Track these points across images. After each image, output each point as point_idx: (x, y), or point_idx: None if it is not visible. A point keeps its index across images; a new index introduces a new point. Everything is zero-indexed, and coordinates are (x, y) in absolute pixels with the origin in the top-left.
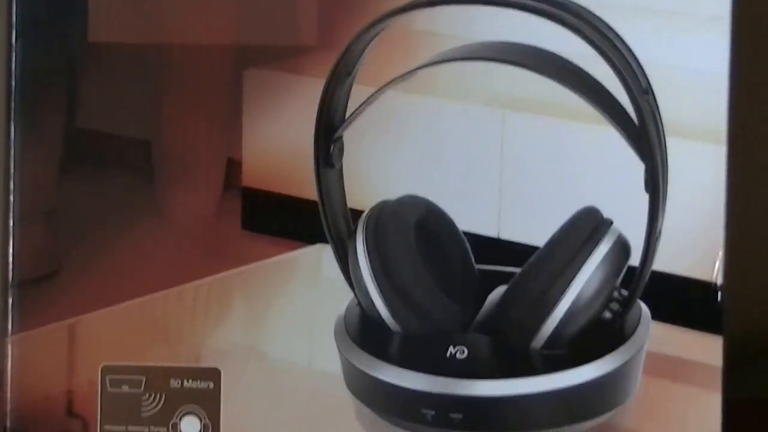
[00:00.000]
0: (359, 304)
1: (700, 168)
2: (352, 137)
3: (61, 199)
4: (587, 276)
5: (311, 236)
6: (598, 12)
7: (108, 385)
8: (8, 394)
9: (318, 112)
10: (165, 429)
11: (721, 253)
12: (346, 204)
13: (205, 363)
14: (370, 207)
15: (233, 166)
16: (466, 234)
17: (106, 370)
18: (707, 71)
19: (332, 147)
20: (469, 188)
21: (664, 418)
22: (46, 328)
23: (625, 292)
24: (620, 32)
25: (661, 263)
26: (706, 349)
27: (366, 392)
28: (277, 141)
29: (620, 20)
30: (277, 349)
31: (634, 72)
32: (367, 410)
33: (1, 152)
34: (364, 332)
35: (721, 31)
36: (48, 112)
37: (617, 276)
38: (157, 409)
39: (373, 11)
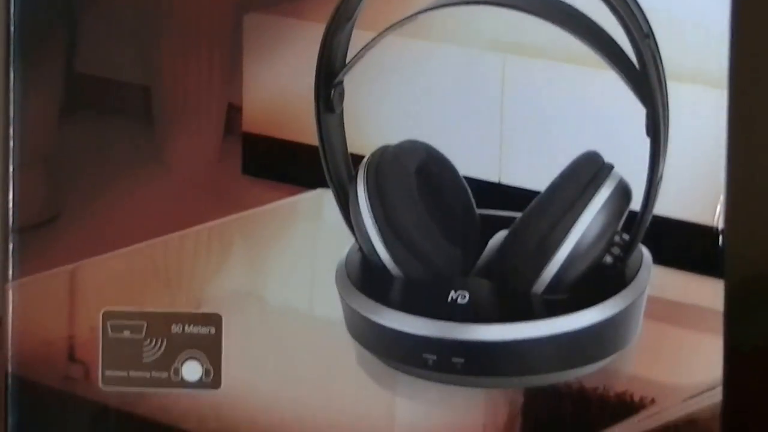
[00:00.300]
0: (360, 249)
1: (701, 112)
2: (352, 82)
3: (61, 144)
4: (588, 220)
5: (312, 181)
6: None
7: (109, 330)
8: (9, 340)
9: (318, 56)
10: (166, 374)
11: (722, 197)
12: (346, 149)
13: (206, 308)
14: (371, 152)
15: (233, 112)
16: (467, 179)
17: (107, 316)
18: (708, 15)
19: (333, 92)
20: (469, 133)
21: (665, 362)
22: (46, 274)
23: (626, 237)
24: None
25: (662, 208)
26: (708, 294)
27: (367, 337)
28: (277, 86)
29: None
30: (277, 294)
31: (635, 16)
32: (368, 355)
33: (1, 97)
34: (365, 277)
35: None
36: (47, 57)
37: (618, 220)
38: (158, 354)
39: None
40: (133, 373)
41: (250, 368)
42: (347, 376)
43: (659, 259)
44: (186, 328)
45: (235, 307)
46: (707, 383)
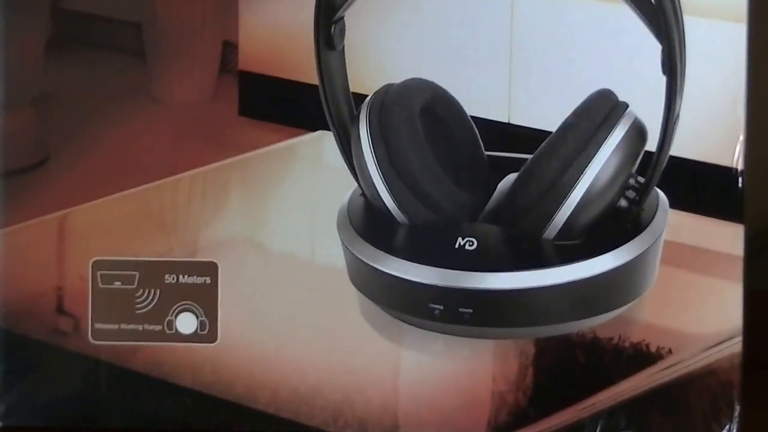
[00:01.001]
0: (363, 194)
1: (719, 47)
2: (354, 17)
3: (49, 84)
4: (602, 162)
5: (312, 122)
6: None
7: (99, 281)
8: None
9: None
10: (160, 327)
11: (741, 137)
12: (348, 88)
13: (202, 256)
14: (374, 91)
15: (229, 49)
16: (475, 119)
17: (97, 265)
18: None
19: (333, 28)
20: (477, 71)
21: (683, 310)
22: (34, 222)
23: (641, 179)
24: None
25: (679, 148)
26: (727, 238)
27: (371, 287)
28: (275, 22)
29: None
30: (277, 241)
31: None
32: (372, 306)
33: None
34: (368, 224)
35: None
36: None
37: (633, 162)
38: (151, 306)
39: None
40: (124, 326)
41: (247, 320)
42: (350, 328)
43: (676, 202)
44: (180, 278)
45: (231, 255)
46: (727, 332)
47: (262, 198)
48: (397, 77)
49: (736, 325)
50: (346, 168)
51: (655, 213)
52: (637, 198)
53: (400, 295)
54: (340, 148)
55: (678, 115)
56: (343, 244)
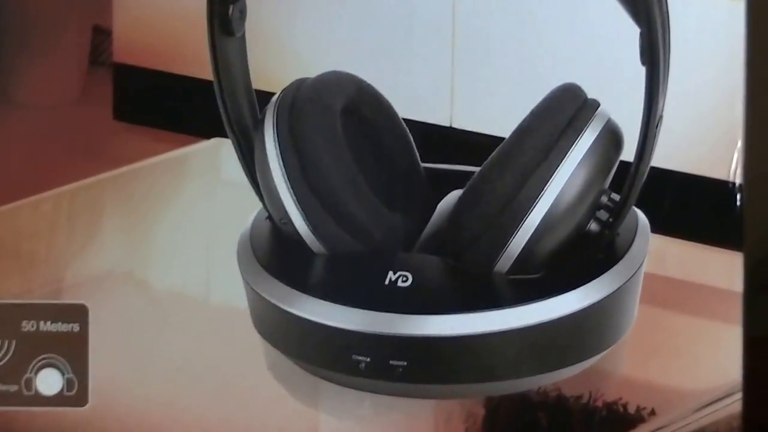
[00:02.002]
0: (269, 216)
1: (712, 31)
2: None
3: None
4: (567, 175)
5: (205, 128)
6: None
7: None
8: None
9: None
10: (16, 387)
11: (740, 144)
12: (250, 84)
13: (69, 298)
14: (283, 87)
15: (101, 37)
16: (410, 122)
17: None
18: None
19: (231, 8)
20: (414, 66)
21: (669, 360)
22: None
23: (616, 197)
24: None
25: (663, 158)
26: (723, 270)
27: (280, 334)
28: (158, 2)
29: None
30: (163, 277)
31: None
32: (282, 358)
33: None
34: (276, 254)
35: None
36: None
37: (606, 175)
38: (4, 360)
39: None
40: None
41: (126, 377)
42: (255, 387)
43: (659, 225)
44: (41, 324)
45: (106, 296)
46: (723, 388)
47: (145, 223)
48: (314, 71)
49: (734, 378)
50: (249, 184)
51: (633, 239)
52: (611, 220)
53: (317, 344)
54: (240, 160)
55: (661, 116)
56: (244, 280)
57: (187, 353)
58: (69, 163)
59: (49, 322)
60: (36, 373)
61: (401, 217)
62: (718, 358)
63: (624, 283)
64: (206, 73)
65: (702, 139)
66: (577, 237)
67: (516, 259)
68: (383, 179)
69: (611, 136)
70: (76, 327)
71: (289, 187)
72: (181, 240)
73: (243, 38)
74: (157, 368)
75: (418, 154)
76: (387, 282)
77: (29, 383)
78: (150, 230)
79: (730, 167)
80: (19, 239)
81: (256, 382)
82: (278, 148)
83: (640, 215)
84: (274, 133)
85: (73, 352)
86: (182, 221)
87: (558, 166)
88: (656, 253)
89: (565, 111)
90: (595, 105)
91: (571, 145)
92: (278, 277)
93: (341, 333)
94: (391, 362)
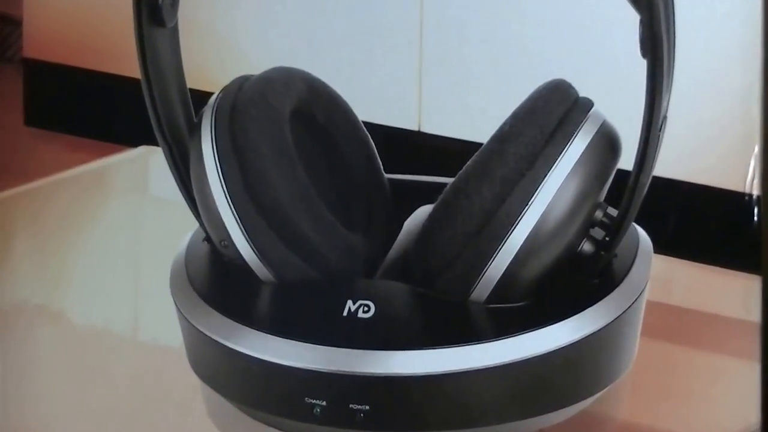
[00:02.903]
0: (207, 238)
1: (724, 18)
2: None
3: None
4: (556, 187)
5: (131, 134)
6: None
7: None
8: None
9: None
10: None
11: (757, 149)
12: (184, 83)
13: None
14: (223, 87)
15: (10, 28)
16: (373, 126)
17: None
18: None
19: None
20: (376, 62)
21: (676, 402)
22: None
23: (613, 212)
24: None
25: (668, 166)
26: (738, 296)
27: (221, 374)
28: None
29: None
30: (82, 310)
31: None
32: (224, 402)
33: None
34: (216, 282)
35: None
36: None
37: (602, 186)
38: None
39: None
40: None
41: (38, 426)
42: None
43: (664, 245)
44: None
45: (15, 331)
46: None
47: (62, 247)
48: (258, 68)
49: (752, 423)
50: (182, 200)
51: (633, 261)
52: (607, 239)
53: (264, 386)
54: (173, 171)
55: (665, 118)
56: (179, 312)
57: (112, 400)
58: None
59: None
60: None
61: (361, 238)
62: (733, 400)
63: (622, 313)
64: (133, 70)
65: (713, 144)
66: (568, 259)
67: (496, 285)
68: (340, 194)
69: (607, 141)
70: None
71: (230, 203)
72: (103, 266)
73: (175, 29)
74: (76, 418)
75: (381, 164)
76: (345, 313)
77: None
78: (68, 255)
79: (746, 177)
80: None
81: (191, 429)
82: (217, 157)
83: (642, 233)
84: (212, 140)
85: None
86: (105, 244)
87: (545, 176)
88: (660, 277)
89: (553, 112)
90: (587, 105)
91: (560, 153)
92: (219, 309)
93: (293, 372)
94: (350, 406)
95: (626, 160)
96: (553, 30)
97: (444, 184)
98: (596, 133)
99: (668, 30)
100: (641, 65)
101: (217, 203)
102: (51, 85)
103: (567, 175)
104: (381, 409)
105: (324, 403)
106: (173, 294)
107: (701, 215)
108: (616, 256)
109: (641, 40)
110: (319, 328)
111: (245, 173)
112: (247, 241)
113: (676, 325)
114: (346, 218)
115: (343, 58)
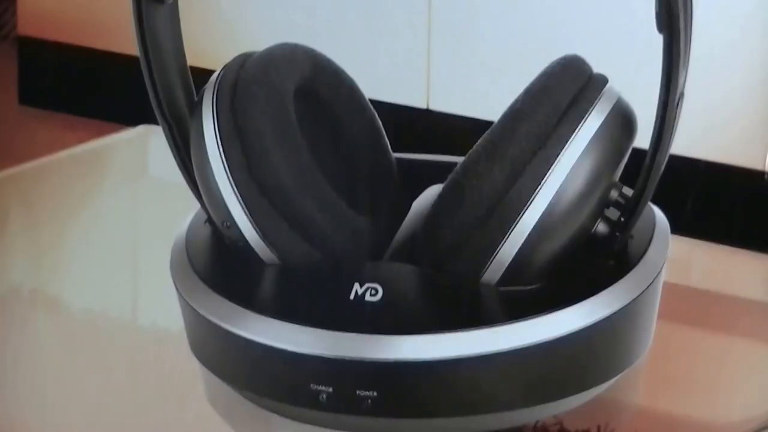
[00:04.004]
0: (209, 219)
1: None
2: None
3: None
4: (569, 166)
5: (130, 113)
6: None
7: None
8: None
9: None
10: None
11: None
12: (185, 60)
13: None
14: (224, 64)
15: (3, 5)
16: (380, 105)
17: None
18: None
19: None
20: (387, 43)
21: (692, 389)
22: None
23: (629, 191)
24: None
25: (685, 145)
26: (758, 278)
27: (223, 360)
28: None
29: None
30: (79, 294)
31: None
32: (225, 388)
33: None
34: (217, 264)
35: None
36: None
37: (616, 165)
38: None
39: None
40: None
41: (35, 414)
42: (192, 423)
43: (681, 225)
44: None
45: (10, 318)
46: (763, 419)
47: (58, 230)
48: (261, 45)
49: None
50: (183, 181)
51: (649, 242)
52: (622, 220)
53: (268, 372)
54: (173, 151)
55: (682, 94)
56: (179, 294)
57: (111, 386)
58: None
59: None
60: None
61: (369, 220)
62: (754, 385)
63: (638, 296)
64: (131, 47)
65: (732, 121)
66: (582, 240)
67: (507, 267)
68: (346, 174)
69: (622, 119)
70: None
71: (233, 184)
72: (101, 249)
73: (175, 5)
74: (74, 404)
75: (388, 143)
76: (352, 297)
77: None
78: (64, 238)
79: (766, 154)
80: None
81: (194, 418)
82: (219, 137)
83: (658, 213)
84: (213, 119)
85: None
86: (103, 226)
87: (558, 156)
88: (678, 258)
89: (566, 89)
90: (602, 81)
91: (574, 131)
92: (221, 292)
93: (298, 358)
94: (357, 392)
95: (642, 139)
96: (567, 3)
97: (453, 164)
98: (611, 110)
99: (685, 3)
100: (658, 39)
101: (219, 183)
102: (46, 63)
103: (581, 155)
104: (389, 396)
105: (330, 389)
106: (174, 277)
107: (720, 195)
108: (632, 237)
109: (657, 14)
110: (325, 312)
111: (248, 153)
112: (250, 221)
113: (694, 307)
114: (352, 198)
115: (349, 34)
